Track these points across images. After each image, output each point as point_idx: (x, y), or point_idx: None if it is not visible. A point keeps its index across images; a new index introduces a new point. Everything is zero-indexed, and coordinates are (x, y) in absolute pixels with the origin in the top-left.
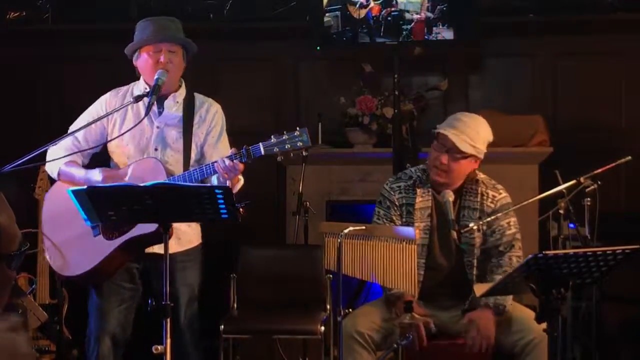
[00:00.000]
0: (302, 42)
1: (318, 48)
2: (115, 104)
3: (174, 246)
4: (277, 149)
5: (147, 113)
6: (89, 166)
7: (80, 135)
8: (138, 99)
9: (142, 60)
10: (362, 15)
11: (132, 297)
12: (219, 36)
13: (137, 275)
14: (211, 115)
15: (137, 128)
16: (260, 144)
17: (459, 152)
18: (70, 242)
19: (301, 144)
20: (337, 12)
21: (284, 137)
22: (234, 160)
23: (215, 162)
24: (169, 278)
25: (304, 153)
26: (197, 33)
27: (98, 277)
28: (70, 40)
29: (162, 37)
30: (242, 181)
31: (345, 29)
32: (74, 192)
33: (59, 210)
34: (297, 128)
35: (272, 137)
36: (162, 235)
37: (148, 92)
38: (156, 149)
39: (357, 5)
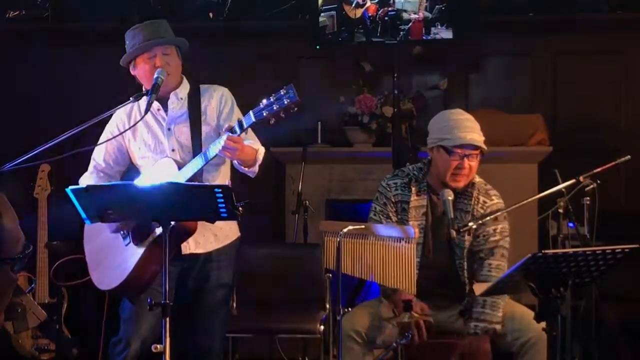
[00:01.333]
0: (301, 41)
1: (317, 47)
2: (124, 118)
3: (212, 244)
4: (267, 112)
5: (147, 110)
6: None
7: (99, 159)
8: (138, 97)
9: (140, 69)
10: (358, 15)
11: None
12: (219, 35)
13: (175, 278)
14: (217, 99)
15: (149, 135)
16: (250, 111)
17: (478, 150)
18: (103, 254)
19: (288, 100)
20: (332, 12)
21: (271, 99)
22: (229, 137)
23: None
24: (202, 278)
25: (294, 109)
26: (197, 32)
27: (136, 287)
28: (70, 39)
29: (153, 42)
30: (261, 150)
31: (341, 29)
32: (72, 190)
33: (98, 230)
34: (284, 86)
35: (261, 102)
36: (186, 231)
37: (147, 91)
38: (173, 150)
39: (353, 5)
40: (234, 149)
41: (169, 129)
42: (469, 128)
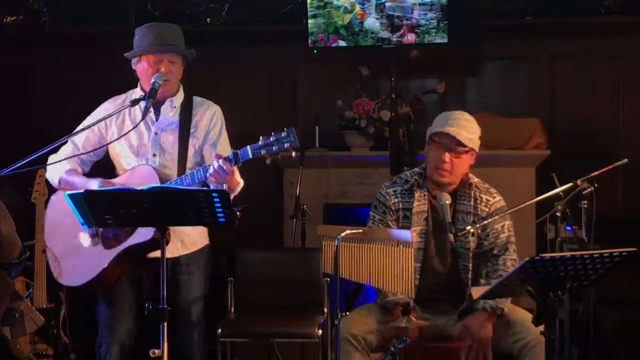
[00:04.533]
0: (299, 45)
1: (315, 52)
2: (111, 110)
3: (179, 249)
4: (265, 152)
5: (144, 116)
6: (91, 175)
7: (79, 143)
8: (134, 102)
9: (142, 68)
10: (346, 22)
11: (138, 303)
12: (217, 39)
13: (147, 281)
14: (208, 116)
15: (135, 135)
16: (248, 146)
17: (461, 146)
18: (70, 251)
19: (288, 144)
20: (319, 18)
21: (271, 139)
22: (223, 165)
23: (206, 166)
24: (173, 283)
25: (293, 154)
26: (195, 36)
27: (100, 286)
28: (67, 44)
29: (165, 49)
30: (241, 183)
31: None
32: (70, 195)
33: (59, 219)
34: (285, 129)
35: (260, 139)
36: (159, 243)
37: (144, 96)
38: (154, 155)
39: (341, 10)
40: (222, 176)
41: (155, 134)
42: (455, 123)
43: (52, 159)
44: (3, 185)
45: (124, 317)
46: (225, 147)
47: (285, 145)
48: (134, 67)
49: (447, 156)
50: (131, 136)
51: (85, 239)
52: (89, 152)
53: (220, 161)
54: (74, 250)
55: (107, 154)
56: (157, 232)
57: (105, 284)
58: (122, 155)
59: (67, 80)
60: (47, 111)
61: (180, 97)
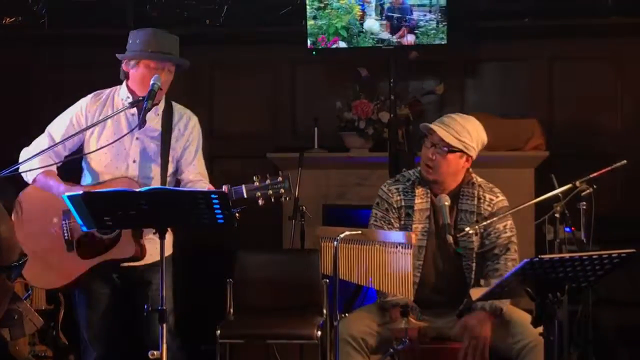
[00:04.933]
0: (298, 46)
1: (314, 53)
2: (96, 111)
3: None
4: (260, 194)
5: (142, 118)
6: (62, 168)
7: (57, 138)
8: (133, 104)
9: (140, 72)
10: (346, 23)
11: (115, 303)
12: (216, 41)
13: (117, 283)
14: (189, 130)
15: (116, 136)
16: (243, 186)
17: (445, 145)
18: (43, 253)
19: (283, 191)
20: (319, 20)
21: (266, 183)
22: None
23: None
24: (143, 290)
25: (286, 198)
26: (194, 38)
27: (69, 289)
28: (66, 45)
29: (169, 58)
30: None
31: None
32: (69, 197)
33: (31, 218)
34: (280, 173)
35: (254, 179)
36: (137, 259)
37: (144, 98)
38: (134, 161)
39: (341, 12)
40: None
41: (137, 138)
42: (447, 122)
43: (25, 152)
44: (2, 187)
45: (100, 317)
46: (200, 165)
47: (280, 192)
48: (127, 69)
49: (431, 152)
50: (110, 136)
51: (56, 242)
52: (69, 153)
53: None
54: (47, 253)
55: (79, 155)
56: (137, 248)
57: (73, 287)
58: (100, 154)
59: (67, 81)
60: (47, 111)
61: (162, 105)
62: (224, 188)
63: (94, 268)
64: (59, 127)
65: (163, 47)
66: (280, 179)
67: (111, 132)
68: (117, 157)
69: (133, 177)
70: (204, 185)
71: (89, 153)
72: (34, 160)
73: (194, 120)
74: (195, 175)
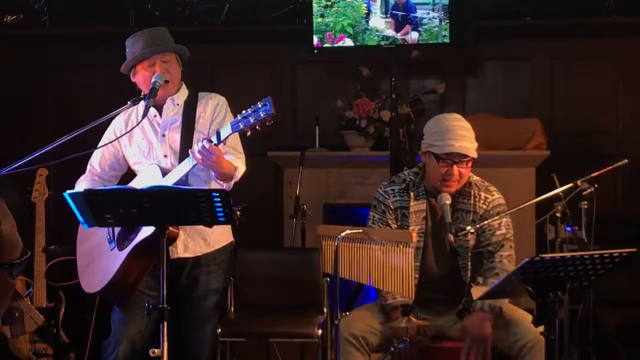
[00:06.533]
0: (299, 45)
1: (315, 52)
2: (122, 123)
3: (202, 248)
4: (243, 124)
5: (144, 114)
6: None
7: (96, 164)
8: (135, 102)
9: (140, 76)
10: (352, 20)
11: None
12: (217, 39)
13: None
14: (211, 107)
15: (144, 141)
16: (228, 122)
17: (471, 159)
18: (91, 258)
19: (264, 113)
20: (326, 17)
21: (248, 111)
22: (206, 144)
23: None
24: (191, 283)
25: (270, 122)
26: (195, 36)
27: (119, 291)
28: (67, 44)
29: (152, 50)
30: (240, 169)
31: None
32: (70, 194)
33: (89, 232)
34: (262, 99)
35: (238, 115)
36: (168, 238)
37: (145, 96)
38: (165, 156)
39: (348, 9)
40: (207, 156)
41: (163, 135)
42: (459, 135)
43: (78, 186)
44: (3, 185)
45: (136, 315)
46: (231, 138)
47: (262, 114)
48: (133, 79)
49: (455, 169)
50: (140, 142)
51: (103, 244)
52: (113, 173)
53: (204, 141)
54: (96, 256)
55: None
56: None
57: (123, 288)
58: (136, 162)
59: (67, 80)
60: (47, 111)
61: (182, 95)
62: (204, 142)
63: (133, 256)
64: (96, 154)
65: (145, 44)
66: (260, 103)
67: (140, 139)
68: (150, 159)
69: (169, 169)
70: (232, 158)
71: (101, 146)
72: (81, 186)
73: (216, 99)
74: (223, 148)
